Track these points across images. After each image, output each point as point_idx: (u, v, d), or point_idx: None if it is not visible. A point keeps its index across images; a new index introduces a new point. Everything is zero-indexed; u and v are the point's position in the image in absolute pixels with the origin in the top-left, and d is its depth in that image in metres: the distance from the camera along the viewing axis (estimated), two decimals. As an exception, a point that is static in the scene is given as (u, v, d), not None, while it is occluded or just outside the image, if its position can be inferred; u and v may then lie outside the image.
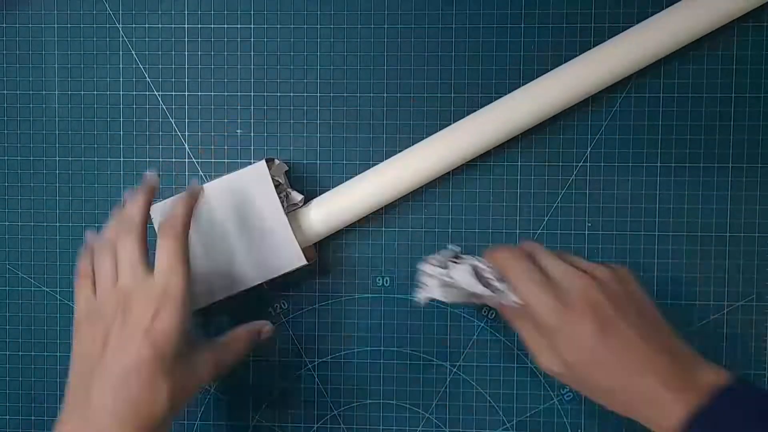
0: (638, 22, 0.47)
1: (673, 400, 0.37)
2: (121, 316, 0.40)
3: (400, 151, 0.49)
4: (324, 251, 0.50)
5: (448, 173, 0.49)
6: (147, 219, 0.43)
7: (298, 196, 0.48)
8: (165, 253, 0.41)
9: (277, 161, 0.48)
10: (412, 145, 0.49)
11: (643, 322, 0.40)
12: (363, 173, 0.48)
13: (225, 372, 0.44)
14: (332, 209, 0.48)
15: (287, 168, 0.49)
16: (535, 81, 0.47)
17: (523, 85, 0.48)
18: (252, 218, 0.47)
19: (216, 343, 0.44)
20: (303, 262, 0.47)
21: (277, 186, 0.47)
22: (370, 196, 0.48)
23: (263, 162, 0.47)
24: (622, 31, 0.46)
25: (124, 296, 0.40)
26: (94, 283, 0.42)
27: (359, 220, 0.50)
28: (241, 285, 0.47)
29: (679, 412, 0.37)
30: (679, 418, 0.37)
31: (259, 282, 0.47)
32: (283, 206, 0.47)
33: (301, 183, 0.50)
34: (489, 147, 0.47)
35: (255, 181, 0.47)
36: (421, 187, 0.49)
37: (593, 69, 0.46)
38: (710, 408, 0.36)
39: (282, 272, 0.47)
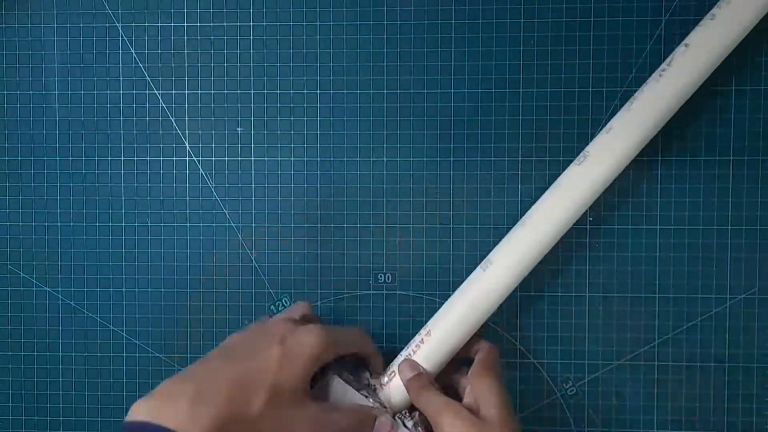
0: (638, 14, 0.47)
1: None
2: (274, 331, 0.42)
3: (400, 149, 0.49)
4: (325, 248, 0.50)
5: (449, 170, 0.49)
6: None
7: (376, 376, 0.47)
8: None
9: (332, 373, 0.45)
10: (412, 143, 0.49)
11: None
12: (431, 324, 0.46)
13: None
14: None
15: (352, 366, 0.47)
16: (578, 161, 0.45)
17: (523, 80, 0.49)
18: None
19: (330, 407, 0.44)
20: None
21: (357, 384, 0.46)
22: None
23: (335, 377, 0.45)
24: (622, 24, 0.47)
25: (281, 322, 0.43)
26: None
27: (360, 218, 0.50)
28: None
29: None
30: None
31: None
32: (379, 405, 0.45)
33: (301, 180, 0.50)
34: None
35: (341, 396, 0.45)
36: (422, 184, 0.49)
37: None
38: None
39: None
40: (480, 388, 0.44)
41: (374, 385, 0.46)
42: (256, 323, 0.45)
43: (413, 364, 0.45)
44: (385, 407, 0.45)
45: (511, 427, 0.42)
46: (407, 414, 0.45)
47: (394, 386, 0.45)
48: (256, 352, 0.41)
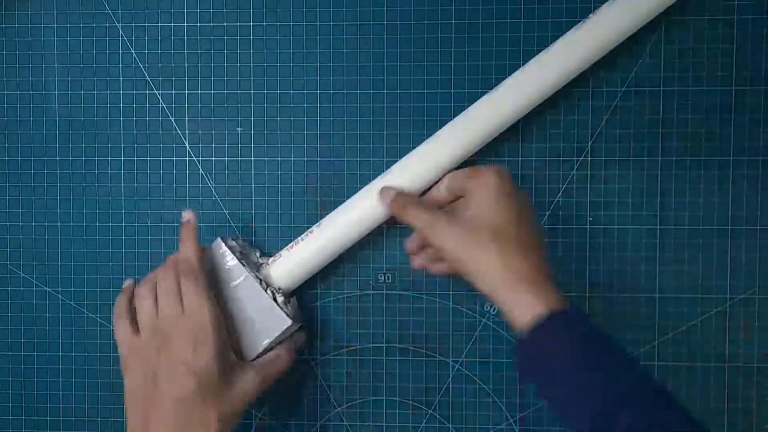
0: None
1: (537, 295, 0.38)
2: (165, 352, 0.42)
3: (400, 148, 0.49)
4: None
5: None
6: (201, 259, 0.45)
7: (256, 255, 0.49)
8: (189, 293, 0.43)
9: (230, 240, 0.48)
10: (412, 143, 0.49)
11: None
12: (319, 223, 0.48)
13: (269, 386, 0.45)
14: (291, 266, 0.47)
15: (240, 243, 0.49)
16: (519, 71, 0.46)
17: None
18: (227, 293, 0.46)
19: (259, 361, 0.45)
20: (287, 323, 0.46)
21: (240, 257, 0.47)
22: (326, 246, 0.47)
23: (218, 240, 0.47)
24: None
25: (165, 334, 0.43)
26: (132, 321, 0.44)
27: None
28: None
29: (539, 308, 0.37)
30: (539, 313, 0.37)
31: (254, 355, 0.46)
32: (253, 276, 0.46)
33: (301, 179, 0.50)
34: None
35: (218, 258, 0.47)
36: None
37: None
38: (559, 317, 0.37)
39: (272, 338, 0.46)
40: (467, 187, 0.42)
41: (262, 263, 0.48)
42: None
43: (388, 188, 0.45)
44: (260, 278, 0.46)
45: (507, 229, 0.40)
46: (279, 290, 0.47)
47: (276, 268, 0.47)
48: (172, 389, 0.42)
